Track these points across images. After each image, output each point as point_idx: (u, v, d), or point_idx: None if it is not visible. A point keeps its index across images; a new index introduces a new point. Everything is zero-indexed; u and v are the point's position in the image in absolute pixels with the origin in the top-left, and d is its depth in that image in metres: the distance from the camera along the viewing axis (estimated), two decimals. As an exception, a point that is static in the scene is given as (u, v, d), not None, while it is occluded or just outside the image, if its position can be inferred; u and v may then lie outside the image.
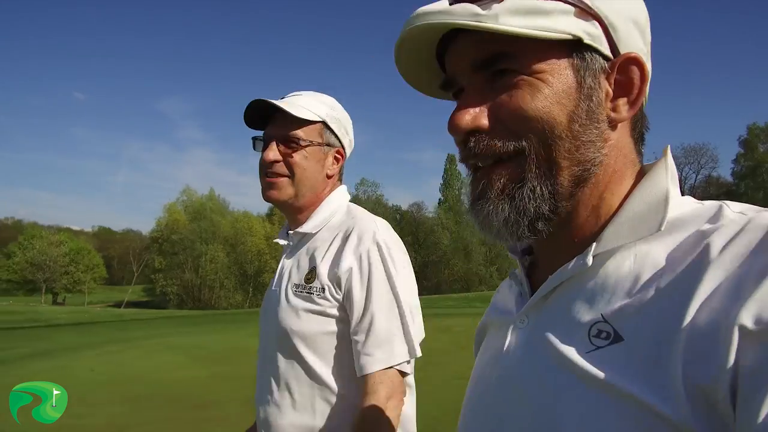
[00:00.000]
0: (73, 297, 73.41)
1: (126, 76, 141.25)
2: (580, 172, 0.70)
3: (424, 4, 0.71)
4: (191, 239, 63.38)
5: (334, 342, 1.63)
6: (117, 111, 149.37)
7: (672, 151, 0.74)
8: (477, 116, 0.71)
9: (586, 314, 0.67)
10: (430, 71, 0.79)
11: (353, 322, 1.61)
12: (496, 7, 0.66)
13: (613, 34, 0.70)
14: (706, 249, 0.60)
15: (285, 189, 1.77)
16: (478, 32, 0.68)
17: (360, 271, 1.63)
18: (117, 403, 7.26)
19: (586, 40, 0.68)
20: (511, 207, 0.70)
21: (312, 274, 1.68)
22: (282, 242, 1.89)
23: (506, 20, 0.66)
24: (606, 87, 0.71)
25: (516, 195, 0.70)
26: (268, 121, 1.79)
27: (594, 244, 0.70)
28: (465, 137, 0.72)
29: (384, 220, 1.80)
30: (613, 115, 0.71)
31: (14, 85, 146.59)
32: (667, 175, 0.71)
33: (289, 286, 1.72)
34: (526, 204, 0.69)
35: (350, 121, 1.91)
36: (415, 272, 1.83)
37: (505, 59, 0.69)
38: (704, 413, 0.54)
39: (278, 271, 1.83)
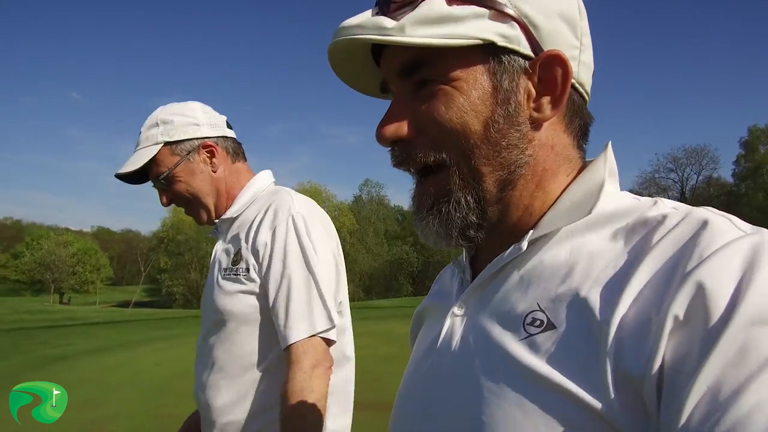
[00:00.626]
0: (77, 297, 73.59)
1: (121, 77, 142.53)
2: (505, 176, 0.69)
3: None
4: (197, 239, 63.46)
5: (264, 319, 1.63)
6: (113, 111, 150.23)
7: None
8: (399, 126, 0.70)
9: (521, 302, 0.66)
10: (370, 75, 0.78)
11: (271, 296, 1.59)
12: (404, 18, 0.65)
13: (534, 33, 0.68)
14: (639, 242, 0.61)
15: (200, 212, 1.82)
16: None
17: (274, 244, 1.62)
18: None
19: (500, 43, 0.66)
20: (439, 222, 0.70)
21: (237, 255, 1.68)
22: (213, 235, 1.89)
23: (413, 31, 0.64)
24: (528, 87, 0.69)
25: (443, 209, 0.70)
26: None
27: (530, 231, 0.69)
28: (390, 145, 0.72)
29: (306, 197, 1.80)
30: (536, 114, 0.69)
31: (9, 85, 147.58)
32: (604, 168, 0.70)
33: (219, 272, 1.71)
34: (452, 216, 0.70)
35: (191, 107, 1.82)
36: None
37: (423, 68, 0.68)
38: (631, 405, 0.54)
39: (211, 260, 1.83)
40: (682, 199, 58.12)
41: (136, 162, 1.73)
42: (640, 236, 0.62)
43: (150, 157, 1.73)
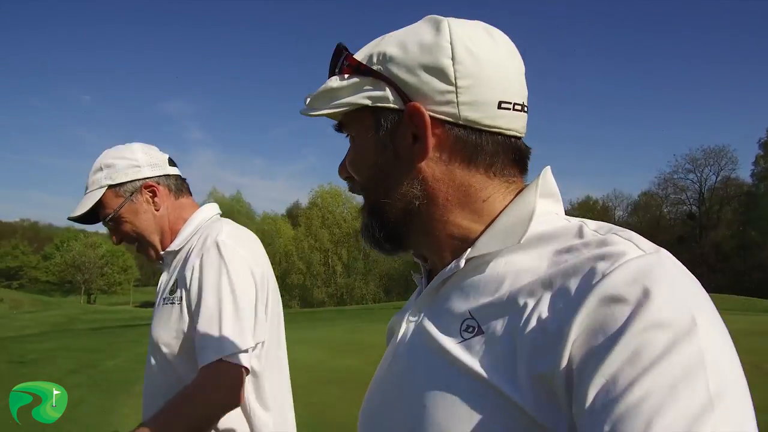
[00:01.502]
0: (104, 298, 74.35)
1: (132, 79, 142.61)
2: (404, 206, 0.82)
3: None
4: None
5: (191, 343, 1.66)
6: (123, 113, 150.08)
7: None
8: (342, 168, 0.90)
9: (459, 310, 0.76)
10: None
11: (193, 319, 1.64)
12: (310, 97, 0.84)
13: (403, 89, 0.78)
14: (559, 262, 0.69)
15: (148, 249, 1.91)
16: None
17: (199, 270, 1.68)
18: (319, 384, 7.75)
19: (370, 104, 0.79)
20: (363, 236, 0.88)
21: (174, 284, 1.76)
22: (158, 267, 1.97)
23: (313, 104, 0.84)
24: (407, 133, 0.79)
25: (363, 227, 0.88)
26: None
27: (468, 249, 0.79)
28: (346, 181, 0.92)
29: (239, 227, 1.89)
30: (416, 155, 0.79)
31: (20, 88, 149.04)
32: (535, 194, 0.78)
33: (160, 301, 1.80)
34: (366, 233, 0.87)
35: (132, 150, 1.90)
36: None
37: (343, 128, 0.88)
38: (546, 401, 0.62)
39: (157, 290, 1.89)
40: (701, 199, 57.65)
41: (84, 206, 1.83)
42: (561, 257, 0.70)
43: (95, 200, 1.82)
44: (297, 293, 59.97)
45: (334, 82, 0.81)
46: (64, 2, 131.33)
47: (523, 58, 0.84)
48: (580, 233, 0.72)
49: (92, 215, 1.88)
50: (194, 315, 1.65)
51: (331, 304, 55.91)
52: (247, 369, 1.59)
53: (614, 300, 0.60)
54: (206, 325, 1.60)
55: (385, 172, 0.82)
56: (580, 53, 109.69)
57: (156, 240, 1.89)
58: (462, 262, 0.78)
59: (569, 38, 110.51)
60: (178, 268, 1.79)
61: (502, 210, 0.80)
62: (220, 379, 1.55)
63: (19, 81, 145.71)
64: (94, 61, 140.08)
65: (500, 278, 0.74)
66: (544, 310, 0.65)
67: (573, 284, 0.64)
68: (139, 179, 1.86)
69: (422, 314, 0.84)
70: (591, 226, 0.74)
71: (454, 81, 0.77)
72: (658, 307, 0.57)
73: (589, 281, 0.63)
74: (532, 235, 0.75)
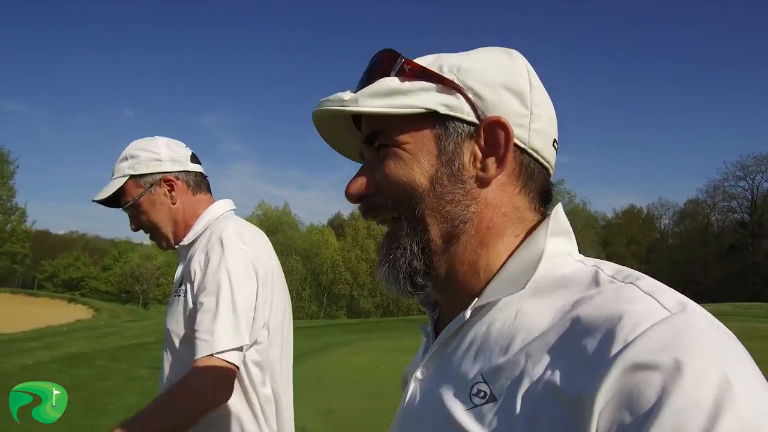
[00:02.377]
0: (156, 306, 75.77)
1: (173, 92, 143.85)
2: (449, 228, 0.74)
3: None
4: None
5: None
6: (163, 127, 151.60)
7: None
8: (363, 184, 0.78)
9: (469, 371, 0.69)
10: (355, 143, 0.87)
11: (194, 313, 1.68)
12: (360, 92, 0.74)
13: (478, 102, 0.74)
14: (573, 317, 0.62)
15: (160, 239, 1.97)
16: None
17: (203, 266, 1.73)
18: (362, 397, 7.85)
19: (443, 111, 0.73)
20: (389, 268, 0.76)
21: (182, 278, 1.83)
22: (177, 260, 2.02)
23: (365, 102, 0.73)
24: (473, 149, 0.74)
25: (391, 255, 0.76)
26: None
27: (476, 299, 0.72)
28: (357, 201, 0.80)
29: (247, 224, 1.94)
30: (482, 174, 0.74)
31: (64, 103, 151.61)
32: (546, 234, 0.72)
33: (174, 293, 1.86)
34: (399, 262, 0.75)
35: (157, 144, 1.97)
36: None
37: (380, 135, 0.77)
38: None
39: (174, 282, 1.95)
40: (752, 207, 56.25)
41: (107, 191, 1.92)
42: (576, 311, 0.63)
43: (117, 187, 1.91)
44: (344, 303, 60.54)
45: (393, 81, 0.75)
46: (104, 22, 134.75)
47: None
48: (595, 280, 0.66)
49: (115, 200, 1.96)
50: (194, 309, 1.69)
51: (377, 315, 55.99)
52: (237, 366, 1.63)
53: (643, 371, 0.53)
54: (202, 319, 1.63)
55: (439, 186, 0.74)
56: (626, 58, 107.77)
57: (169, 231, 1.95)
58: (468, 313, 0.72)
59: (617, 42, 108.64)
60: (186, 263, 1.84)
61: (516, 248, 0.75)
62: (209, 374, 1.56)
63: (66, 98, 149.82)
64: (135, 77, 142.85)
65: (511, 333, 0.67)
66: (561, 375, 0.59)
67: (591, 346, 0.58)
68: (159, 172, 1.93)
69: (430, 372, 0.78)
70: (607, 271, 0.68)
71: (529, 106, 0.76)
72: (693, 383, 0.51)
73: (610, 345, 0.56)
74: (543, 280, 0.70)
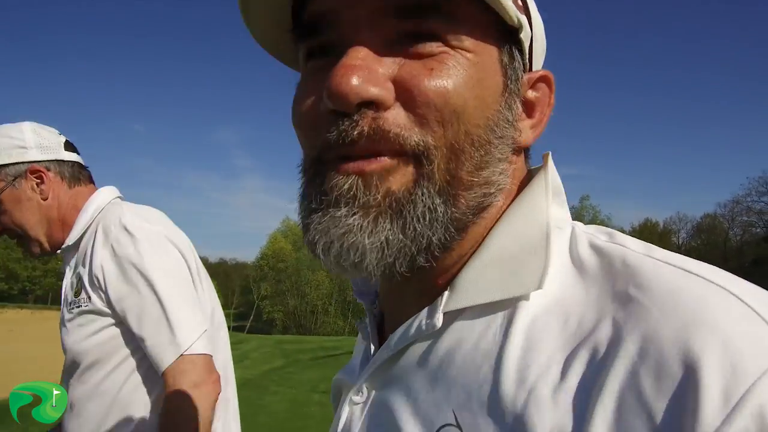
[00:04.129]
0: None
1: (182, 105, 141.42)
2: (481, 198, 0.50)
3: None
4: (296, 267, 65.20)
5: (124, 348, 1.44)
6: (174, 141, 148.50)
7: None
8: (376, 80, 0.45)
9: (433, 407, 0.47)
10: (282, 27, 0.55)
11: (129, 321, 1.42)
12: None
13: (534, 44, 0.54)
14: (600, 333, 0.40)
15: (30, 244, 1.61)
16: None
17: (112, 264, 1.44)
18: None
19: (521, 35, 0.51)
20: (396, 225, 0.46)
21: (79, 285, 1.50)
22: (61, 269, 1.67)
23: None
24: (524, 99, 0.54)
25: (407, 210, 0.46)
26: None
27: (445, 294, 0.50)
28: (353, 109, 0.46)
29: (140, 206, 1.62)
30: (516, 136, 0.53)
31: (75, 119, 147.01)
32: (547, 197, 0.51)
33: (65, 307, 1.53)
34: (417, 225, 0.46)
35: (20, 129, 1.59)
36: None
37: (432, 14, 0.46)
38: None
39: (62, 294, 1.60)
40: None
41: None
42: (621, 329, 0.40)
43: None
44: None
45: None
46: (111, 35, 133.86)
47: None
48: (632, 282, 0.43)
49: None
50: (128, 318, 1.42)
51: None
52: (209, 353, 1.44)
53: None
54: (151, 324, 1.40)
55: (497, 136, 0.50)
56: (646, 72, 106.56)
57: (41, 234, 1.60)
58: (438, 320, 0.49)
59: (636, 52, 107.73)
60: (80, 266, 1.52)
61: (498, 218, 0.52)
62: (191, 375, 1.38)
63: (75, 112, 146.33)
64: (145, 92, 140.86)
65: (498, 352, 0.45)
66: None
67: (643, 395, 0.37)
68: (25, 162, 1.57)
69: (372, 397, 0.55)
70: (660, 255, 0.46)
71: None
72: None
73: (659, 410, 0.36)
74: (555, 270, 0.48)
